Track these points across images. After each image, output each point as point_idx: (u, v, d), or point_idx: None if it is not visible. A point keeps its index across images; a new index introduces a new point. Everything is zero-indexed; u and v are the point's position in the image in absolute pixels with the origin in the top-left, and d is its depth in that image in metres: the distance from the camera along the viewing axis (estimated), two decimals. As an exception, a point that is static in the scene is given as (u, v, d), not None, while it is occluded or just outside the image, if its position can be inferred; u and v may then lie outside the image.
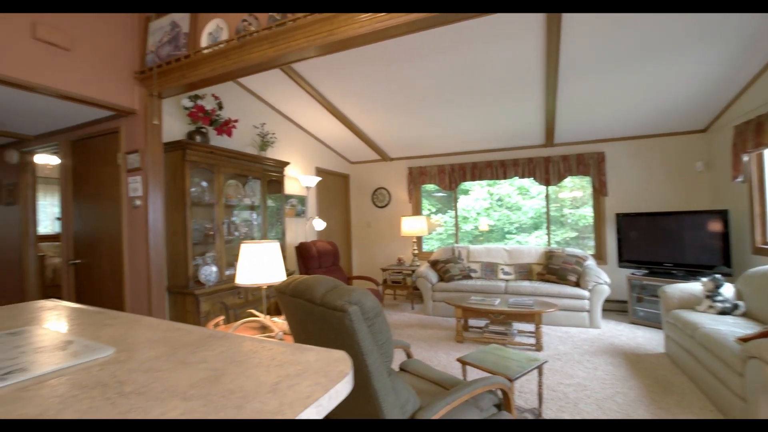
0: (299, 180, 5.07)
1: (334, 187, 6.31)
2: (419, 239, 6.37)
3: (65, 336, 1.07)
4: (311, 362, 0.82)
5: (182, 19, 2.65)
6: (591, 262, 4.74)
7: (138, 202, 2.89)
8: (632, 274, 4.52)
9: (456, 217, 6.27)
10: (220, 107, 3.52)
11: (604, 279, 4.28)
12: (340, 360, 0.82)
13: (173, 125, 3.33)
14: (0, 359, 0.89)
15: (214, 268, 3.27)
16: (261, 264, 1.97)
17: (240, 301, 3.49)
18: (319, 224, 5.02)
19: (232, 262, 3.68)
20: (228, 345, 0.97)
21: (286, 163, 4.38)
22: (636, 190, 5.04)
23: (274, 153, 4.57)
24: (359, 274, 6.29)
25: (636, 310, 4.46)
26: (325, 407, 0.66)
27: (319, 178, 5.25)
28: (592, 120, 4.65)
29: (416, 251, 5.89)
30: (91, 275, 3.31)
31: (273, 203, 4.35)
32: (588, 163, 5.22)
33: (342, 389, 0.72)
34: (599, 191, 5.23)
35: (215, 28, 2.52)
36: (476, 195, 6.46)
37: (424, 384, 1.80)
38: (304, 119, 5.08)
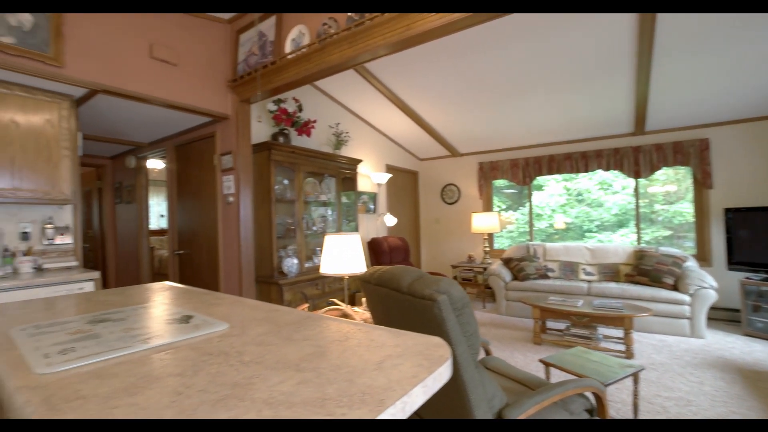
0: (371, 177, 5.20)
1: (403, 184, 6.36)
2: (490, 236, 6.16)
3: (185, 311, 1.22)
4: (409, 345, 0.83)
5: (269, 28, 2.85)
6: (692, 264, 4.19)
7: (231, 199, 3.18)
8: (747, 278, 3.91)
9: (530, 213, 5.95)
10: (300, 109, 3.74)
11: (710, 283, 3.76)
12: (438, 345, 0.83)
13: (259, 128, 3.61)
14: (140, 327, 1.04)
15: (295, 260, 3.49)
16: (343, 255, 2.06)
17: (318, 292, 3.67)
18: (391, 220, 5.10)
19: (310, 256, 3.89)
20: (325, 326, 1.02)
21: (359, 161, 4.51)
22: (750, 182, 4.34)
23: (347, 151, 4.74)
24: (429, 271, 6.26)
25: (752, 321, 3.85)
26: (431, 388, 0.67)
27: (390, 175, 5.33)
28: (693, 102, 4.10)
29: (487, 248, 5.70)
30: (192, 264, 3.73)
31: (346, 200, 4.51)
32: (687, 152, 4.62)
33: (444, 372, 0.72)
34: (702, 183, 4.60)
35: (298, 34, 2.67)
36: (551, 190, 6.06)
37: (507, 382, 1.74)
38: (374, 117, 5.18)
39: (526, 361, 3.30)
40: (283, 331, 0.98)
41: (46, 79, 2.30)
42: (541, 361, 2.33)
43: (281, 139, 3.57)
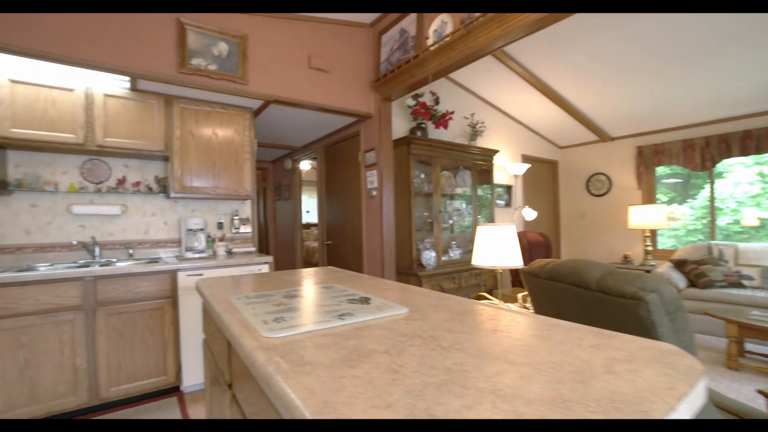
0: (506, 168, 4.91)
1: (541, 175, 5.83)
2: (653, 233, 5.18)
3: (361, 293, 1.29)
4: (634, 350, 0.69)
5: (410, 24, 2.90)
6: None
7: (374, 193, 3.36)
8: None
9: (712, 205, 4.79)
10: (437, 102, 3.73)
11: None
12: (676, 353, 0.67)
13: (397, 124, 3.73)
14: (329, 304, 1.13)
15: (433, 253, 3.50)
16: (498, 247, 1.94)
17: (454, 286, 3.62)
18: (530, 214, 4.72)
19: (445, 249, 3.86)
20: (510, 318, 0.94)
21: (495, 151, 4.29)
22: None
23: (481, 142, 4.56)
24: (571, 271, 5.61)
25: None
26: (694, 406, 0.53)
27: (528, 165, 4.93)
28: None
29: (650, 247, 4.81)
30: (338, 253, 4.09)
31: (481, 192, 4.34)
32: None
33: (702, 389, 0.57)
34: None
35: (440, 24, 2.64)
36: (737, 177, 4.74)
37: (722, 414, 1.38)
38: (510, 105, 4.86)
39: (720, 389, 2.65)
40: (466, 320, 0.94)
41: (235, 96, 2.78)
42: (761, 392, 1.81)
43: (419, 134, 3.62)
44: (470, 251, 4.11)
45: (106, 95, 2.54)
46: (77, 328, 2.24)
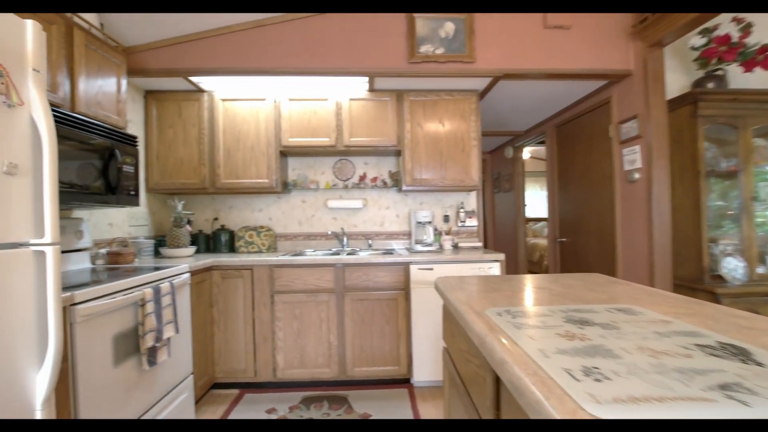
0: None
1: None
2: None
3: (717, 336, 0.76)
4: None
5: None
6: None
7: (636, 176, 2.53)
8: None
9: None
10: (747, 32, 2.46)
11: None
12: None
13: (671, 80, 2.70)
14: (667, 351, 0.67)
15: (739, 262, 2.36)
16: None
17: (783, 315, 2.34)
18: None
19: (760, 256, 2.57)
20: None
21: None
22: None
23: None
24: None
25: None
26: None
27: None
28: None
29: None
30: (576, 253, 3.37)
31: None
32: None
33: None
34: None
35: None
36: None
37: None
38: None
39: None
40: None
41: (462, 77, 2.56)
42: None
43: (711, 85, 2.50)
44: (808, 260, 2.61)
45: (351, 99, 2.78)
46: (331, 308, 2.51)
